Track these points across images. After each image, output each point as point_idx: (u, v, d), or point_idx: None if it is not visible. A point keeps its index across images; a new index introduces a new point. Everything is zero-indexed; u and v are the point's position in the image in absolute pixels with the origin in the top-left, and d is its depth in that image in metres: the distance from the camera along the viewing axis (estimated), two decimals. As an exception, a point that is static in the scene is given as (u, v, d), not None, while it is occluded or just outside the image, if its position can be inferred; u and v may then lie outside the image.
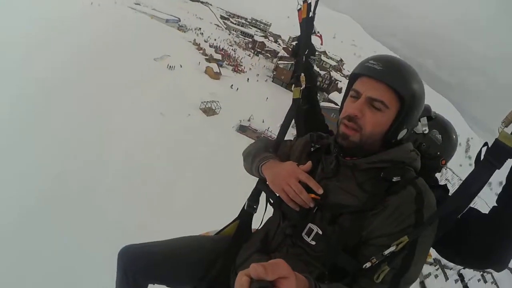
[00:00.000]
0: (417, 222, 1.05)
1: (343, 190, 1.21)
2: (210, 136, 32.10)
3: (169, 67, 43.75)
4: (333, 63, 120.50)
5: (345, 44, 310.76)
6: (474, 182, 1.04)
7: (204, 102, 38.43)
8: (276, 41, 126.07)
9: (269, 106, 51.30)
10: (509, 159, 1.02)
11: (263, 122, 44.50)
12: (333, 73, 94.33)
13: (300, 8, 1.76)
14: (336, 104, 57.98)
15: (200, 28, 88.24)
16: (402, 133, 1.20)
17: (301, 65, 1.77)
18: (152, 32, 56.18)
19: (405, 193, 1.09)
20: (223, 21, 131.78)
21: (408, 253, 1.03)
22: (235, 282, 0.76)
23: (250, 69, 71.91)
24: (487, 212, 1.16)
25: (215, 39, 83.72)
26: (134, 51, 42.34)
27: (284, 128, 1.69)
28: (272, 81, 70.88)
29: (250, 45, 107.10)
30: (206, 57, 60.08)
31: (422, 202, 1.07)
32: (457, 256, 1.21)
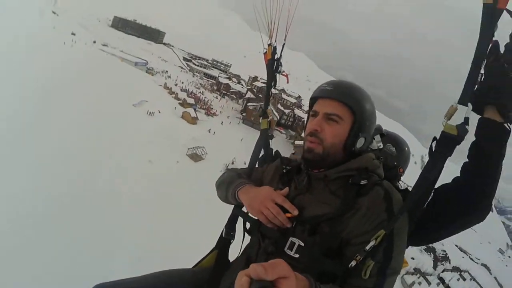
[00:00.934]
0: (389, 217, 1.15)
1: (318, 201, 1.29)
2: (202, 182, 32.48)
3: (148, 113, 44.43)
4: (293, 100, 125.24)
5: (300, 80, 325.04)
6: (431, 171, 1.20)
7: (191, 148, 39.30)
8: (239, 82, 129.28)
9: (246, 147, 52.77)
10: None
11: (244, 163, 45.57)
12: (296, 111, 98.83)
13: (266, 51, 1.94)
14: None
15: (167, 71, 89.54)
16: (360, 142, 1.34)
17: (267, 100, 1.96)
18: (125, 76, 56.54)
19: (374, 193, 1.20)
20: (186, 63, 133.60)
21: (387, 245, 1.11)
22: (235, 282, 0.77)
23: (221, 112, 73.66)
24: (454, 178, 1.30)
25: (182, 82, 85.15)
26: (113, 96, 42.52)
27: (254, 156, 1.84)
28: (243, 123, 72.91)
29: (215, 87, 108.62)
30: (179, 101, 61.11)
31: (391, 199, 1.19)
32: (442, 230, 1.30)
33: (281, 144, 71.47)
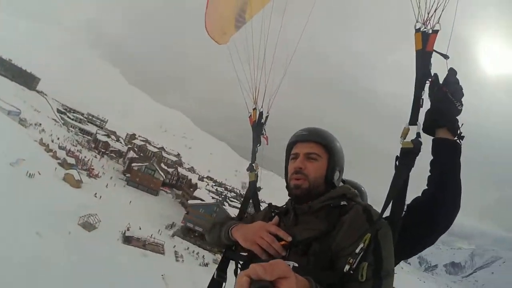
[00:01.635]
0: (370, 225, 1.29)
1: (305, 228, 1.44)
2: (99, 253, 31.37)
3: (28, 174, 40.13)
4: (174, 158, 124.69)
5: (177, 137, 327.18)
6: (397, 180, 1.43)
7: (82, 216, 37.18)
8: (118, 140, 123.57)
9: (137, 211, 51.77)
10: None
11: (140, 229, 45.05)
12: (180, 169, 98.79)
13: (250, 115, 2.26)
14: (202, 200, 62.24)
15: (40, 124, 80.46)
16: (336, 175, 1.60)
17: (254, 156, 2.20)
18: (-1, 127, 49.69)
19: (354, 210, 1.39)
20: (59, 115, 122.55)
21: (375, 247, 1.21)
22: (235, 282, 0.80)
23: (103, 173, 69.58)
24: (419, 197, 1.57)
25: (58, 138, 77.72)
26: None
27: (244, 204, 2.06)
28: (128, 185, 70.00)
29: (92, 145, 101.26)
30: (58, 161, 56.27)
31: (369, 211, 1.36)
32: (421, 239, 1.53)
33: (169, 205, 70.72)
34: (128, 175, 73.48)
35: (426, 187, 1.55)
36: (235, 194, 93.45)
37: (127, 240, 40.95)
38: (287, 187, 1.64)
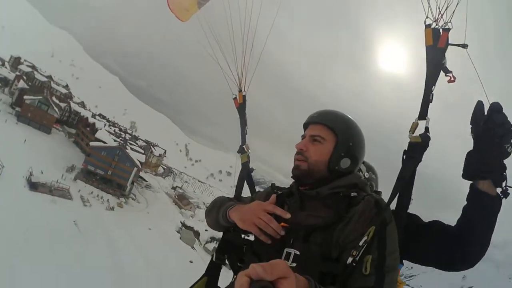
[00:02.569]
0: (380, 219, 1.25)
1: (311, 215, 1.40)
2: (8, 203, 30.90)
3: None
4: (64, 90, 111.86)
5: (64, 63, 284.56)
6: (405, 173, 1.41)
7: None
8: (3, 64, 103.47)
9: (34, 153, 48.77)
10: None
11: (42, 173, 43.56)
12: (73, 105, 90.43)
13: (236, 97, 2.25)
14: (104, 142, 60.71)
15: None
16: (345, 163, 1.49)
17: (244, 137, 2.18)
18: None
19: (366, 202, 1.33)
20: None
21: (381, 242, 1.20)
22: (235, 282, 0.77)
23: None
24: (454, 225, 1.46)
25: None
26: None
27: (239, 189, 2.03)
28: (18, 120, 61.43)
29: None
30: None
31: (381, 205, 1.31)
32: (450, 262, 1.46)
33: (64, 144, 66.53)
34: (18, 109, 64.35)
35: (456, 228, 1.45)
36: (130, 136, 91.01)
37: (34, 186, 40.09)
38: None
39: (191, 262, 45.47)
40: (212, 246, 58.77)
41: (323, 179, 1.49)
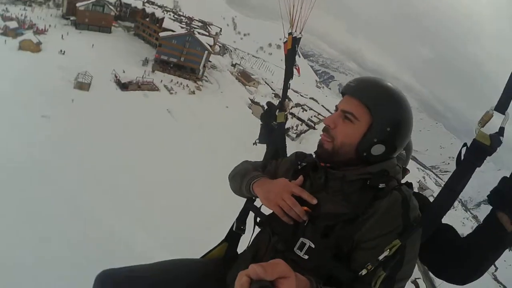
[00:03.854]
0: (404, 224, 1.13)
1: (333, 201, 1.28)
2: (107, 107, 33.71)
3: None
4: None
5: None
6: (459, 182, 1.14)
7: (74, 80, 37.13)
8: None
9: (106, 54, 50.99)
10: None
11: (124, 72, 46.32)
12: None
13: (286, 41, 1.90)
14: (173, 31, 60.56)
15: None
16: (377, 150, 1.25)
17: (285, 93, 1.92)
18: None
19: (392, 198, 1.19)
20: None
21: (398, 262, 1.10)
22: (235, 282, 0.77)
23: (49, 25, 60.65)
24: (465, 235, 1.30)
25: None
26: None
27: (270, 149, 1.85)
28: (76, 28, 62.50)
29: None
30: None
31: (408, 206, 1.17)
32: (441, 272, 1.33)
33: (127, 39, 67.14)
34: (73, 18, 64.34)
35: (463, 243, 1.29)
36: (188, 20, 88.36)
37: (124, 86, 43.32)
38: None
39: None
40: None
41: (349, 161, 1.31)
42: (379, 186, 1.23)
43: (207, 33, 70.73)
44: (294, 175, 1.47)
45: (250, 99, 67.52)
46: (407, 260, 1.12)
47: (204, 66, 64.80)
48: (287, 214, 1.30)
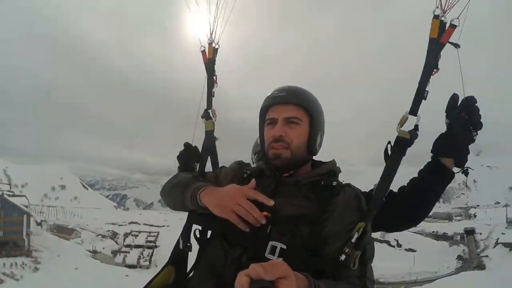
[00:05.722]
0: (360, 214, 1.28)
1: (290, 204, 1.29)
2: None
3: None
4: None
5: None
6: (392, 170, 1.38)
7: None
8: None
9: None
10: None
11: None
12: None
13: (204, 50, 1.84)
14: None
15: None
16: (318, 140, 1.42)
17: (210, 101, 1.81)
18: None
19: (347, 193, 1.31)
20: None
21: (367, 239, 1.23)
22: (235, 282, 0.76)
23: None
24: (405, 187, 1.59)
25: None
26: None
27: (204, 158, 1.75)
28: None
29: None
30: None
31: (360, 198, 1.33)
32: (389, 225, 1.60)
33: None
34: None
35: (407, 190, 1.58)
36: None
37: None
38: (265, 156, 1.43)
39: (126, 275, 44.83)
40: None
41: (303, 162, 1.41)
42: (333, 184, 1.32)
43: (12, 192, 59.07)
44: (241, 183, 1.39)
45: (88, 251, 61.85)
46: (366, 242, 1.23)
47: (27, 234, 52.03)
48: (243, 220, 1.24)
